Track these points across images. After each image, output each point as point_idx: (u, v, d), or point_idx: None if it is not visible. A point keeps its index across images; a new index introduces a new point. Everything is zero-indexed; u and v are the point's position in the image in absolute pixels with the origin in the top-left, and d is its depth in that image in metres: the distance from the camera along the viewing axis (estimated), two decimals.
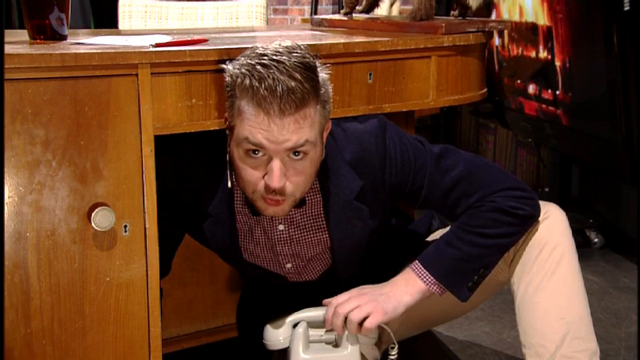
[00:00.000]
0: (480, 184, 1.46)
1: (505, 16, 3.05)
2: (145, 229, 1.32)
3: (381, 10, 2.21)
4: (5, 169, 1.19)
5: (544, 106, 2.85)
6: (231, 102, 1.32)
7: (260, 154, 1.32)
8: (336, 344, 1.50)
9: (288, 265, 1.57)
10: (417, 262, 1.47)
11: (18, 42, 1.37)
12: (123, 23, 2.63)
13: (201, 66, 1.35)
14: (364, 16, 1.95)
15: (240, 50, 1.35)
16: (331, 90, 1.38)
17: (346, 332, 1.45)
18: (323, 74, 1.35)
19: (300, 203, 1.46)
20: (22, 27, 1.46)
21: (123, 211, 1.29)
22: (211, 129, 1.39)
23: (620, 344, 2.12)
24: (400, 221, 1.77)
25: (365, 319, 1.42)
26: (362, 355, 1.51)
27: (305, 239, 1.53)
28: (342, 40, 1.53)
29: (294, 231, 1.52)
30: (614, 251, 2.86)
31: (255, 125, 1.29)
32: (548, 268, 1.47)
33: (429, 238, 1.71)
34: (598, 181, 3.03)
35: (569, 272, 1.47)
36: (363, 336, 1.47)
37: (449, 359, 2.00)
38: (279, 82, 1.26)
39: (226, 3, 2.70)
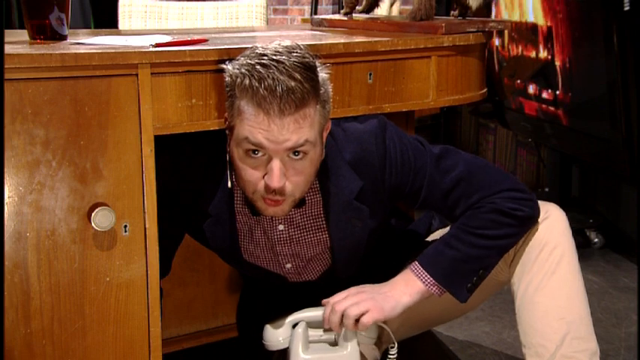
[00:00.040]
0: (479, 185, 1.47)
1: (515, 17, 3.02)
2: (145, 229, 1.32)
3: (381, 10, 2.20)
4: (5, 169, 1.19)
5: (544, 106, 2.85)
6: (231, 102, 1.32)
7: (260, 154, 1.32)
8: (335, 344, 1.50)
9: (288, 265, 1.57)
10: (416, 262, 1.47)
11: (18, 42, 1.37)
12: (123, 23, 2.63)
13: (201, 66, 1.35)
14: (364, 16, 1.95)
15: (240, 50, 1.35)
16: (331, 90, 1.38)
17: (344, 330, 1.45)
18: (323, 74, 1.35)
19: (300, 203, 1.46)
20: (22, 27, 1.46)
21: (123, 211, 1.29)
22: (211, 129, 1.39)
23: (620, 344, 2.12)
24: (400, 221, 1.77)
25: (362, 316, 1.41)
26: (362, 355, 1.51)
27: (305, 239, 1.53)
28: (342, 40, 1.53)
29: (294, 231, 1.51)
30: (614, 251, 2.86)
31: (255, 125, 1.29)
32: (548, 268, 1.47)
33: (429, 239, 1.71)
34: (598, 181, 3.03)
35: (569, 272, 1.48)
36: (361, 335, 1.47)
37: (449, 359, 2.00)
38: (279, 82, 1.26)
39: (226, 3, 2.70)
